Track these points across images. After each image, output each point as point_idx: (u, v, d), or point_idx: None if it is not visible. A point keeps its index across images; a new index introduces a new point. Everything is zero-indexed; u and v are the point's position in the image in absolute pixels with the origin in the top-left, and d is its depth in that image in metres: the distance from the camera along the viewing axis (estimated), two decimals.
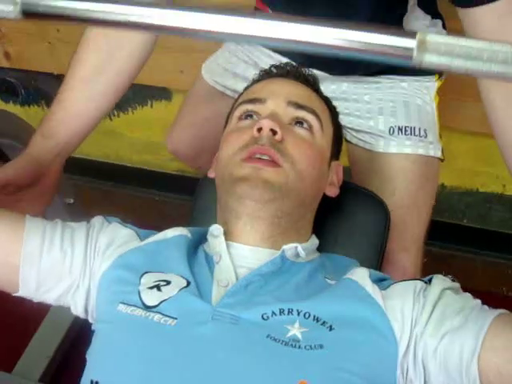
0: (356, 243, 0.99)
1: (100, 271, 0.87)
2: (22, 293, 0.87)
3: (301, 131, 0.89)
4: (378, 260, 0.98)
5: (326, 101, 1.00)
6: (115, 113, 2.15)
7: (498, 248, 1.96)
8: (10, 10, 0.47)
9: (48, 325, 1.66)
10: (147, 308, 0.79)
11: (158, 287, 0.82)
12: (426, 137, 1.17)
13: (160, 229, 0.95)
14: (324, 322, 0.76)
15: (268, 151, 0.84)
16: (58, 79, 2.15)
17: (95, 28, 1.02)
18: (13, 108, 2.29)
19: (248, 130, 0.88)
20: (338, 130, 1.00)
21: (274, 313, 0.77)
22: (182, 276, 0.82)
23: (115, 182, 2.38)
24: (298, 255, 0.86)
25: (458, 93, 1.60)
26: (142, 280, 0.84)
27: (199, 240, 0.92)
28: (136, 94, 2.11)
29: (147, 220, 2.16)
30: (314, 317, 0.76)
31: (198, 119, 1.39)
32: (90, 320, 0.90)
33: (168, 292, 0.80)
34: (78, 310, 0.89)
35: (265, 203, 0.83)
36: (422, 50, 0.40)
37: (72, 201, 1.58)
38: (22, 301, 0.90)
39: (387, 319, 0.76)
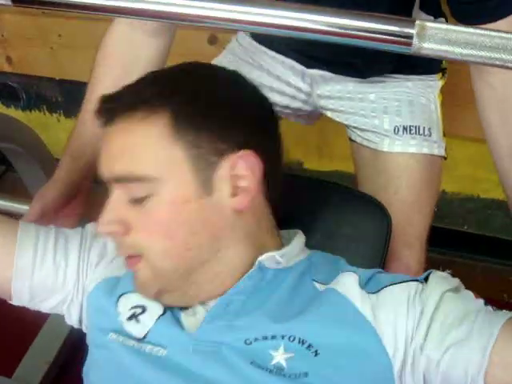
0: (358, 248, 0.99)
1: (88, 290, 0.86)
2: (15, 303, 0.87)
3: (138, 209, 0.75)
4: (379, 265, 0.98)
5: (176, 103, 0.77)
6: None
7: (498, 254, 1.96)
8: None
9: (48, 330, 1.66)
10: (137, 339, 0.78)
11: (135, 317, 0.80)
12: (430, 135, 1.18)
13: None
14: (309, 346, 0.73)
15: (125, 255, 0.78)
16: (60, 84, 2.18)
17: (105, 48, 1.08)
18: (14, 112, 2.30)
19: None
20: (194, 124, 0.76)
21: (256, 338, 0.74)
22: (156, 300, 0.80)
23: None
24: (278, 262, 0.80)
25: (459, 99, 1.60)
26: (119, 308, 0.81)
27: None
28: None
29: None
30: (299, 340, 0.73)
31: None
32: (84, 330, 0.89)
33: (147, 322, 0.79)
34: (72, 321, 0.89)
35: (157, 297, 0.79)
36: (421, 37, 0.40)
37: None
38: (22, 306, 0.89)
39: (378, 338, 0.73)
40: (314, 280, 0.81)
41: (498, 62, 0.40)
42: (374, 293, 0.76)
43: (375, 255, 0.97)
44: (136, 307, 0.80)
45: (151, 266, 0.75)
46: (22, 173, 1.51)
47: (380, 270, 0.87)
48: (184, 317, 0.79)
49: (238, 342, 0.74)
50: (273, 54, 1.24)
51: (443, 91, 1.26)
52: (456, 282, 0.78)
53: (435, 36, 0.40)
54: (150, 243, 0.74)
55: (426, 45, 0.41)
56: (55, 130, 2.20)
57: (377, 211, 0.98)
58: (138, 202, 0.74)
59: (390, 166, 1.18)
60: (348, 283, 0.78)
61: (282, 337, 0.73)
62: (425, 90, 1.21)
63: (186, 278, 0.77)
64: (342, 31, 0.42)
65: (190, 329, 0.77)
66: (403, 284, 0.76)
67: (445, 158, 1.22)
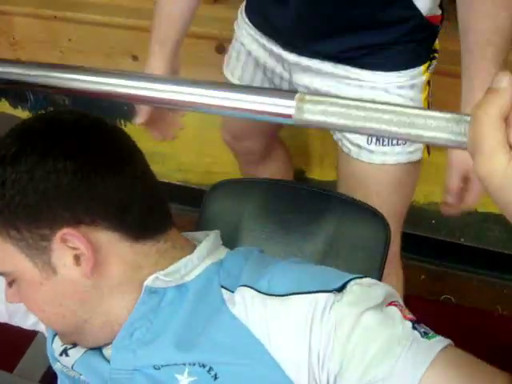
0: (357, 257, 1.02)
1: None
2: None
3: (12, 291, 0.82)
4: (378, 273, 1.01)
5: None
6: (123, 122, 2.19)
7: (494, 267, 1.98)
8: None
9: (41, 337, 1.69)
10: (69, 368, 0.84)
11: (65, 352, 0.85)
12: (404, 143, 1.16)
13: None
14: (210, 369, 0.74)
15: None
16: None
17: None
18: (21, 113, 2.33)
19: None
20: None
21: (162, 365, 0.77)
22: None
23: None
24: (164, 281, 0.79)
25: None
26: (54, 345, 0.87)
27: None
28: None
29: None
30: (200, 364, 0.74)
31: None
32: None
33: (74, 354, 0.84)
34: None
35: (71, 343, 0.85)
36: (300, 109, 0.43)
37: None
38: None
39: (276, 363, 0.71)
40: (222, 286, 0.80)
41: (372, 132, 0.44)
42: (278, 295, 0.74)
43: (374, 261, 1.01)
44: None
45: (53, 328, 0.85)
46: None
47: (296, 260, 0.87)
48: (104, 350, 0.83)
49: (147, 369, 0.77)
50: (257, 38, 1.27)
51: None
52: (380, 293, 0.72)
53: (313, 108, 0.43)
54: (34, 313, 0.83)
55: (305, 116, 0.43)
56: None
57: (376, 220, 1.02)
58: (9, 285, 0.81)
59: (361, 174, 1.20)
60: (244, 302, 0.76)
61: (184, 363, 0.75)
62: (404, 91, 1.16)
63: (80, 333, 0.81)
64: (228, 104, 0.46)
65: (109, 359, 0.81)
66: (309, 296, 0.71)
67: (428, 154, 1.22)
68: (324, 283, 0.73)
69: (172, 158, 2.23)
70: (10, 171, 0.73)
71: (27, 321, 0.94)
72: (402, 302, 0.73)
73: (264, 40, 1.23)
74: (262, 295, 0.75)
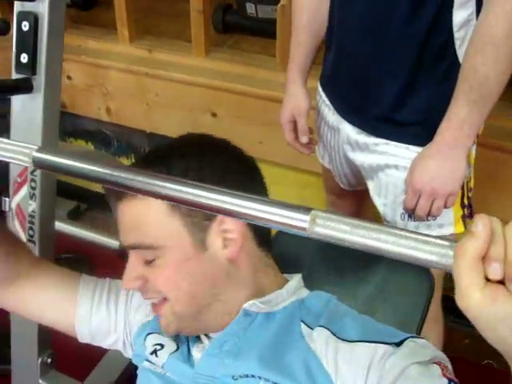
0: (403, 303, 1.11)
1: (132, 331, 1.04)
2: (81, 341, 1.06)
3: (151, 267, 0.89)
4: (419, 323, 1.10)
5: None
6: None
7: None
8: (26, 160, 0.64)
9: (112, 355, 1.81)
10: (160, 367, 0.95)
11: (155, 353, 0.96)
12: (435, 218, 1.27)
13: None
14: None
15: (149, 299, 0.93)
16: (149, 137, 2.38)
17: None
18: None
19: None
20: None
21: (240, 375, 0.86)
22: (174, 340, 0.97)
23: None
24: (259, 307, 0.91)
25: (496, 182, 1.73)
26: (146, 344, 0.98)
27: None
28: None
29: None
30: (273, 382, 0.84)
31: None
32: None
33: (163, 355, 0.95)
34: (128, 355, 1.08)
35: (176, 333, 0.95)
36: (314, 224, 0.51)
37: None
38: None
39: None
40: (302, 321, 0.91)
41: (378, 252, 0.50)
42: (348, 341, 0.85)
43: (417, 308, 1.10)
44: (157, 345, 0.97)
45: (172, 311, 0.90)
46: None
47: (363, 316, 0.96)
48: (195, 350, 0.95)
49: (227, 378, 0.88)
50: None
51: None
52: (429, 354, 0.81)
53: (325, 225, 0.50)
54: (166, 293, 0.89)
55: (318, 230, 0.50)
56: None
57: (422, 273, 1.13)
58: (148, 262, 0.89)
59: None
60: (320, 340, 0.87)
61: (260, 377, 0.85)
62: None
63: (195, 319, 0.91)
64: (249, 212, 0.53)
65: (197, 360, 0.93)
66: (371, 345, 0.83)
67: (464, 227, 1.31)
68: (385, 337, 0.84)
69: None
70: (195, 164, 0.88)
71: (107, 341, 1.06)
72: (449, 366, 0.81)
73: None
74: (335, 338, 0.86)
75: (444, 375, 0.77)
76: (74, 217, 2.67)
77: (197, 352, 0.95)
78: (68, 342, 1.10)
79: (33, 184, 1.26)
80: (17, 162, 0.65)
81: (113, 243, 1.81)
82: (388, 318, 1.04)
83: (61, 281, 1.04)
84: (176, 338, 0.97)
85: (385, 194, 1.33)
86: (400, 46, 1.18)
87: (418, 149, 1.22)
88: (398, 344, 0.82)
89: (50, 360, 1.48)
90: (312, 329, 0.89)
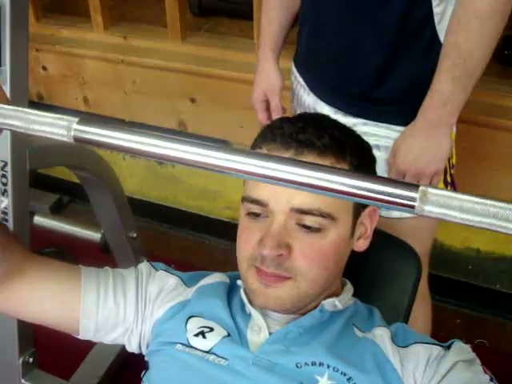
0: (389, 289, 1.12)
1: (153, 318, 0.99)
2: (81, 337, 1.01)
3: (308, 237, 0.87)
4: (408, 305, 1.11)
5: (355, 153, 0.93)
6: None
7: None
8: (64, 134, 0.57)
9: (99, 348, 1.80)
10: (202, 351, 0.91)
11: (202, 334, 0.93)
12: None
13: (207, 269, 1.08)
14: (350, 379, 0.85)
15: (273, 274, 0.87)
16: (129, 125, 2.35)
17: None
18: None
19: (256, 234, 0.89)
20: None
21: (306, 363, 0.87)
22: (222, 326, 0.94)
23: (170, 223, 2.54)
24: (335, 306, 0.94)
25: (483, 159, 1.71)
26: (188, 326, 0.95)
27: (236, 284, 1.01)
28: None
29: (196, 261, 2.31)
30: (342, 372, 0.86)
31: None
32: (144, 353, 1.03)
33: (213, 339, 0.92)
34: (132, 348, 1.03)
35: (279, 313, 0.92)
36: (423, 201, 0.46)
37: (135, 235, 1.75)
38: None
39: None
40: (354, 325, 0.94)
41: (490, 227, 0.45)
42: (402, 347, 0.90)
43: (405, 296, 1.12)
44: (205, 327, 0.94)
45: (298, 288, 0.88)
46: (94, 201, 1.68)
47: (403, 324, 1.01)
48: (250, 334, 0.93)
49: (290, 364, 0.87)
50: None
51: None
52: (472, 355, 0.88)
53: (436, 202, 0.46)
54: (307, 270, 0.87)
55: (427, 208, 0.46)
56: (119, 167, 2.35)
57: (410, 256, 1.12)
58: (308, 230, 0.86)
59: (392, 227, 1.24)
60: (382, 337, 0.92)
61: (328, 366, 0.86)
62: None
63: (311, 300, 0.92)
64: (354, 191, 0.48)
65: (252, 344, 0.91)
66: (427, 346, 0.89)
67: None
68: (436, 341, 0.91)
69: (222, 196, 2.34)
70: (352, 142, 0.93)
71: (110, 335, 1.00)
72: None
73: None
74: (393, 341, 0.92)
75: (486, 372, 0.84)
76: (57, 210, 2.62)
77: (252, 335, 0.93)
78: (51, 340, 1.06)
79: (3, 180, 1.22)
80: (55, 136, 0.57)
81: (95, 236, 1.78)
82: (377, 303, 1.05)
83: (61, 274, 0.98)
84: (225, 322, 0.94)
85: None
86: (378, 20, 1.15)
87: (400, 128, 1.19)
88: (448, 347, 0.89)
89: (32, 359, 1.42)
90: (363, 331, 0.94)
